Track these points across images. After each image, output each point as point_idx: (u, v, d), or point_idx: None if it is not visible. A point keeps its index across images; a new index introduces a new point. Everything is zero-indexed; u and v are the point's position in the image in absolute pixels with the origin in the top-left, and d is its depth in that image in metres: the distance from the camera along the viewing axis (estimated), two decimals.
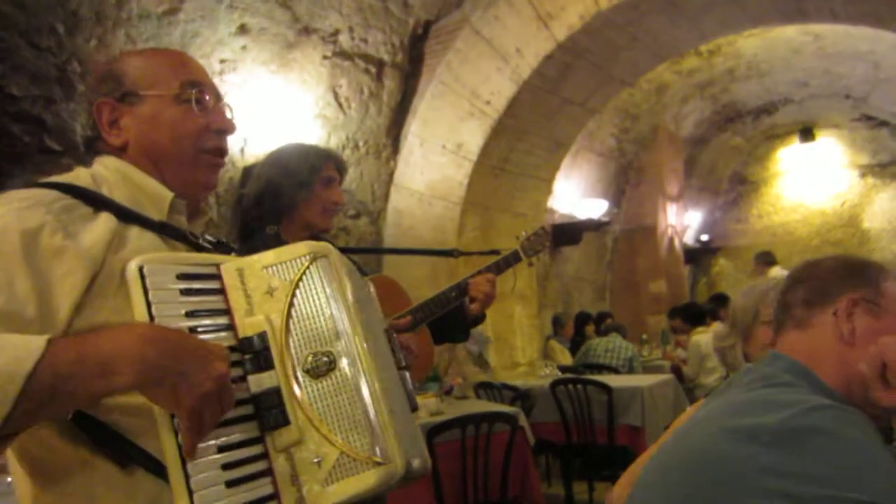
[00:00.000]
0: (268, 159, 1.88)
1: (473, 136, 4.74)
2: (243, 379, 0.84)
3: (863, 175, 9.48)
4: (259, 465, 0.81)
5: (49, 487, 0.86)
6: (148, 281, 0.82)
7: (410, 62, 4.62)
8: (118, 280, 0.86)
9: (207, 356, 0.78)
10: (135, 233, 0.93)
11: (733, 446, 0.92)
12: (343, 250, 2.04)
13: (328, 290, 0.88)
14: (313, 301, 0.87)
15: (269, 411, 0.82)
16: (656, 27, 4.64)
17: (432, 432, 2.73)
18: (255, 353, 0.84)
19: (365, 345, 0.87)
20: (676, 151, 8.74)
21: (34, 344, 0.73)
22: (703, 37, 5.37)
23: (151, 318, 0.80)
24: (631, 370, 5.53)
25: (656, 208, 8.20)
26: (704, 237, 10.35)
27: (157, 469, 0.82)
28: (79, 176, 0.97)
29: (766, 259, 6.91)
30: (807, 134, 9.44)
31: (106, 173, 0.99)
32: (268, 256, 0.91)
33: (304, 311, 0.87)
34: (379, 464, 0.81)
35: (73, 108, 3.08)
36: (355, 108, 4.41)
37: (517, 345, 5.44)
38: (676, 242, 8.73)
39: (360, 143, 4.52)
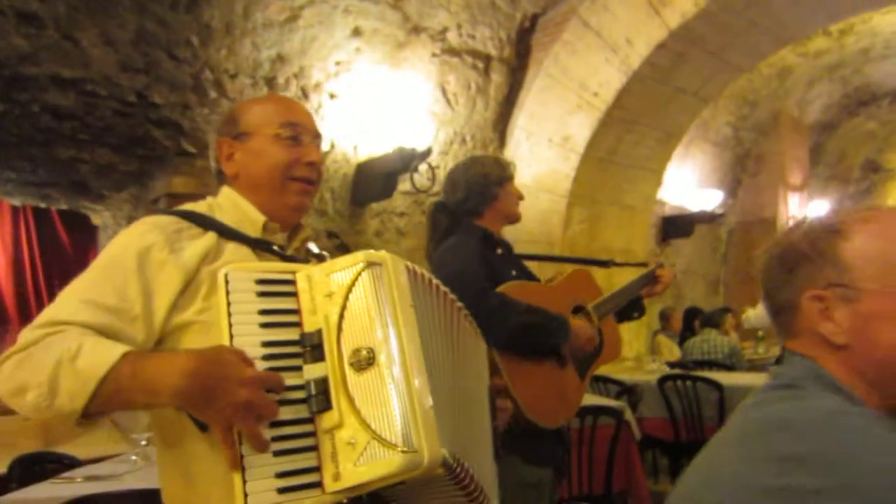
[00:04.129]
0: (465, 168, 2.18)
1: (581, 129, 4.69)
2: (300, 368, 0.97)
3: None
4: (307, 441, 0.93)
5: (167, 449, 1.10)
6: (230, 285, 0.97)
7: (517, 56, 4.63)
8: (206, 287, 1.07)
9: (234, 374, 0.90)
10: (231, 247, 1.14)
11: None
12: (519, 257, 2.26)
13: (376, 294, 0.97)
14: (362, 303, 0.97)
15: (317, 396, 0.94)
16: (778, 9, 4.36)
17: None
18: (311, 347, 0.97)
19: (405, 344, 0.96)
20: (800, 139, 8.20)
21: (112, 355, 0.93)
22: (834, 16, 5.01)
23: (229, 314, 0.96)
24: (733, 367, 5.27)
25: (776, 199, 7.75)
26: None
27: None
28: (199, 205, 1.22)
29: None
30: None
31: (221, 200, 1.25)
32: (333, 265, 1.02)
33: (354, 312, 0.97)
34: (404, 452, 0.88)
35: (207, 113, 3.35)
36: (463, 103, 4.49)
37: (623, 339, 5.34)
38: None
39: (468, 138, 4.60)
